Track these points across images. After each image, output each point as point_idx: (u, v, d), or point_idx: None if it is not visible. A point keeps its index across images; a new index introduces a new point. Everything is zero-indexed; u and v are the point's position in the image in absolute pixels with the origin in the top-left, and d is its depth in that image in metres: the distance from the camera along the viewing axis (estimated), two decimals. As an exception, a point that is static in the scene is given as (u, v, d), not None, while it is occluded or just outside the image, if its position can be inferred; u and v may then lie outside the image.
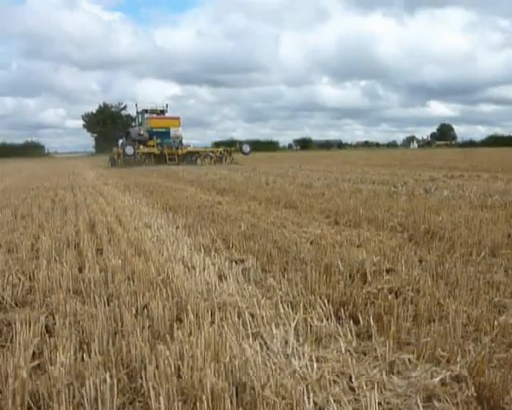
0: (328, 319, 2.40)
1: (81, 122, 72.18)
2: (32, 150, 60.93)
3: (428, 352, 2.03)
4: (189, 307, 2.49)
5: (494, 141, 67.79)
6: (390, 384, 1.81)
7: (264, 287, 2.97)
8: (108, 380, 1.72)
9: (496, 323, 2.30)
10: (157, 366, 1.85)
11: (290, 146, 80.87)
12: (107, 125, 65.86)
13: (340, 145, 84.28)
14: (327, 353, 2.07)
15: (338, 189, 8.85)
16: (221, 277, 3.20)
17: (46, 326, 2.40)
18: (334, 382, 1.83)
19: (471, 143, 74.81)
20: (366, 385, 1.80)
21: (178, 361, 1.92)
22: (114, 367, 1.93)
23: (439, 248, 3.83)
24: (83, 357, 2.00)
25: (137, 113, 29.13)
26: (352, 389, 1.80)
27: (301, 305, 2.55)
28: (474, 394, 1.74)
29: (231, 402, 1.64)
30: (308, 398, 1.67)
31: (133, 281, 3.05)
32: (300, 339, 2.20)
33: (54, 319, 2.49)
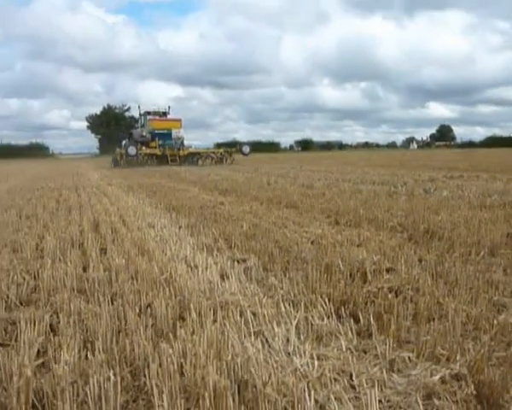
0: (328, 318, 2.42)
1: (85, 123, 72.16)
2: (36, 151, 60.82)
3: (428, 350, 2.04)
4: (191, 305, 2.51)
5: (493, 142, 67.51)
6: (390, 382, 1.82)
7: (265, 286, 2.99)
8: (112, 378, 1.73)
9: (495, 322, 2.31)
10: (160, 364, 1.87)
11: (291, 147, 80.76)
12: (111, 126, 65.83)
13: (340, 146, 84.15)
14: (328, 351, 2.08)
15: (338, 189, 8.87)
16: (223, 276, 3.22)
17: (50, 325, 2.43)
18: (335, 380, 1.84)
19: (470, 144, 74.54)
20: (366, 383, 1.81)
21: (181, 359, 1.93)
22: (118, 365, 1.95)
23: (438, 247, 3.84)
24: (87, 355, 2.02)
25: (140, 115, 29.16)
26: (353, 386, 1.81)
27: (302, 304, 2.57)
28: (474, 392, 1.75)
29: (233, 400, 1.66)
30: (309, 396, 1.67)
31: (137, 280, 3.08)
32: (301, 337, 2.22)
33: (58, 317, 2.51)
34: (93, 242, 4.27)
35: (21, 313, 2.54)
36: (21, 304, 2.82)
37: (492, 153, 33.13)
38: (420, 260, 3.48)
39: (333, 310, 2.50)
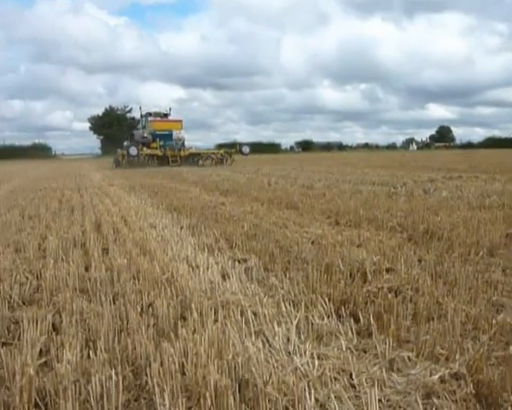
0: (329, 318, 2.44)
1: (87, 124, 72.10)
2: (39, 152, 60.77)
3: (428, 350, 2.06)
4: (192, 305, 2.52)
5: (492, 143, 67.26)
6: (390, 381, 1.83)
7: (266, 286, 3.01)
8: (114, 377, 1.75)
9: (494, 321, 2.32)
10: (162, 364, 1.88)
11: (292, 148, 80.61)
12: (113, 127, 65.72)
13: (340, 147, 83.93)
14: (328, 350, 2.09)
15: (339, 190, 8.89)
16: (224, 276, 3.23)
17: (53, 324, 2.44)
18: (335, 379, 1.85)
19: (469, 145, 74.27)
20: (366, 382, 1.83)
21: (182, 359, 1.94)
22: (120, 364, 1.96)
23: (437, 247, 3.86)
24: (89, 354, 2.03)
25: (141, 116, 29.15)
26: (353, 385, 1.82)
27: (303, 303, 2.58)
28: (473, 391, 1.76)
29: (234, 399, 1.67)
30: (309, 395, 1.68)
31: (138, 280, 3.10)
32: (302, 337, 2.23)
33: (60, 317, 2.53)
34: (95, 242, 4.29)
35: (24, 313, 2.56)
36: (24, 304, 2.84)
37: (492, 154, 33.08)
38: (419, 261, 3.49)
39: (333, 310, 2.52)
